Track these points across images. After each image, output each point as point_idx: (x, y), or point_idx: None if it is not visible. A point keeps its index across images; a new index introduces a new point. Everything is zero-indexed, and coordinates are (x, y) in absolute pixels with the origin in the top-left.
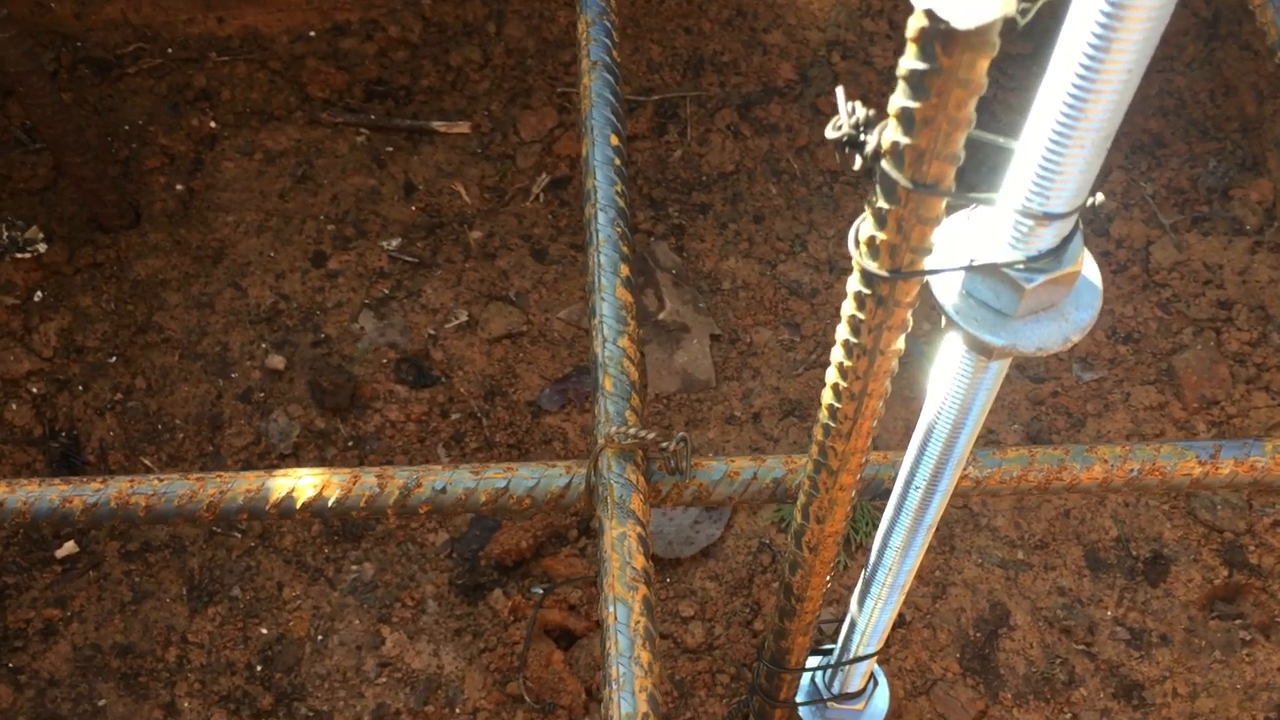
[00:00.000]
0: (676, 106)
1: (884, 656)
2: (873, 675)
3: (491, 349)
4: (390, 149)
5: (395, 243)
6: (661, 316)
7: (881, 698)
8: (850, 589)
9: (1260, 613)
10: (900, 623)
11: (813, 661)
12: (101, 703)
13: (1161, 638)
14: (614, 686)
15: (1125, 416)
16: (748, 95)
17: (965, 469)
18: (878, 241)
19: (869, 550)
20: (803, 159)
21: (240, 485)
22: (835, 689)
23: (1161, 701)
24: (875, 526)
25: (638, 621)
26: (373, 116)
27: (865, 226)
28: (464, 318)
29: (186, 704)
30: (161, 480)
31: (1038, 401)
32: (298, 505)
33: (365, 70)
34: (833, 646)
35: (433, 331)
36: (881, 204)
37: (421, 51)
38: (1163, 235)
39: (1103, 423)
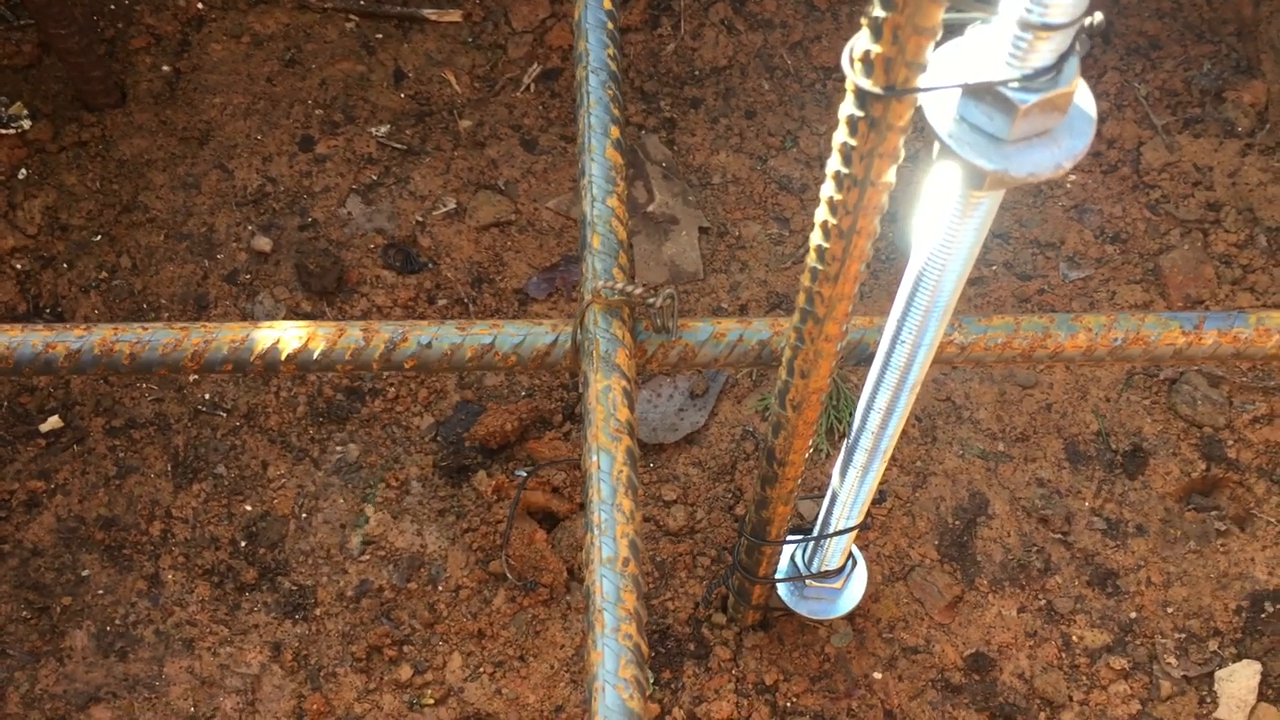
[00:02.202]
0: None
1: (863, 542)
2: (851, 555)
3: (480, 237)
4: (380, 36)
5: (384, 129)
6: (651, 209)
7: (859, 579)
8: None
9: (1236, 506)
10: (879, 500)
11: (792, 538)
12: (85, 573)
13: (1138, 528)
14: (596, 532)
15: None
16: None
17: (950, 335)
18: (872, 55)
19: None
20: (796, 55)
21: (225, 335)
22: (814, 567)
23: (1135, 590)
24: None
25: (620, 470)
26: (362, 2)
27: (861, 41)
28: (452, 205)
29: (170, 576)
30: (146, 329)
31: (1024, 299)
32: (282, 357)
33: None
34: (812, 528)
35: (421, 218)
36: (879, 12)
37: None
38: (1154, 136)
39: None
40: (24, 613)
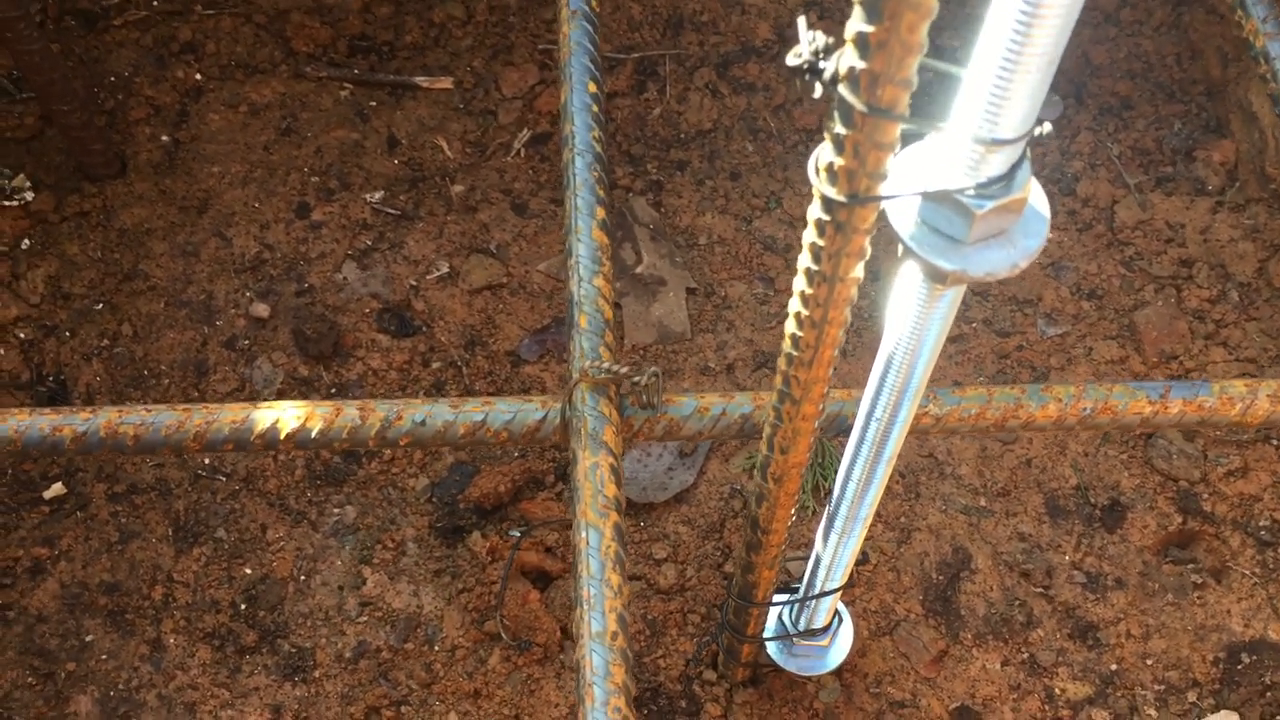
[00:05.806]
0: (656, 65)
1: (849, 598)
2: (838, 613)
3: (472, 300)
4: (373, 103)
5: (378, 195)
6: (639, 270)
7: (846, 636)
8: None
9: (1212, 558)
10: (863, 560)
11: (779, 598)
12: (89, 638)
13: (1117, 581)
14: (585, 606)
15: (1087, 370)
16: (726, 54)
17: (926, 407)
18: (836, 167)
19: None
20: (779, 118)
21: (226, 416)
22: (801, 625)
23: (1115, 642)
24: None
25: (609, 546)
26: (356, 71)
27: (824, 153)
28: (445, 269)
29: (172, 640)
30: (149, 411)
31: (1003, 355)
32: (281, 436)
33: (349, 25)
34: (800, 586)
35: (414, 282)
36: (839, 129)
37: (405, 7)
38: (1127, 195)
39: (1065, 376)
40: (29, 679)
